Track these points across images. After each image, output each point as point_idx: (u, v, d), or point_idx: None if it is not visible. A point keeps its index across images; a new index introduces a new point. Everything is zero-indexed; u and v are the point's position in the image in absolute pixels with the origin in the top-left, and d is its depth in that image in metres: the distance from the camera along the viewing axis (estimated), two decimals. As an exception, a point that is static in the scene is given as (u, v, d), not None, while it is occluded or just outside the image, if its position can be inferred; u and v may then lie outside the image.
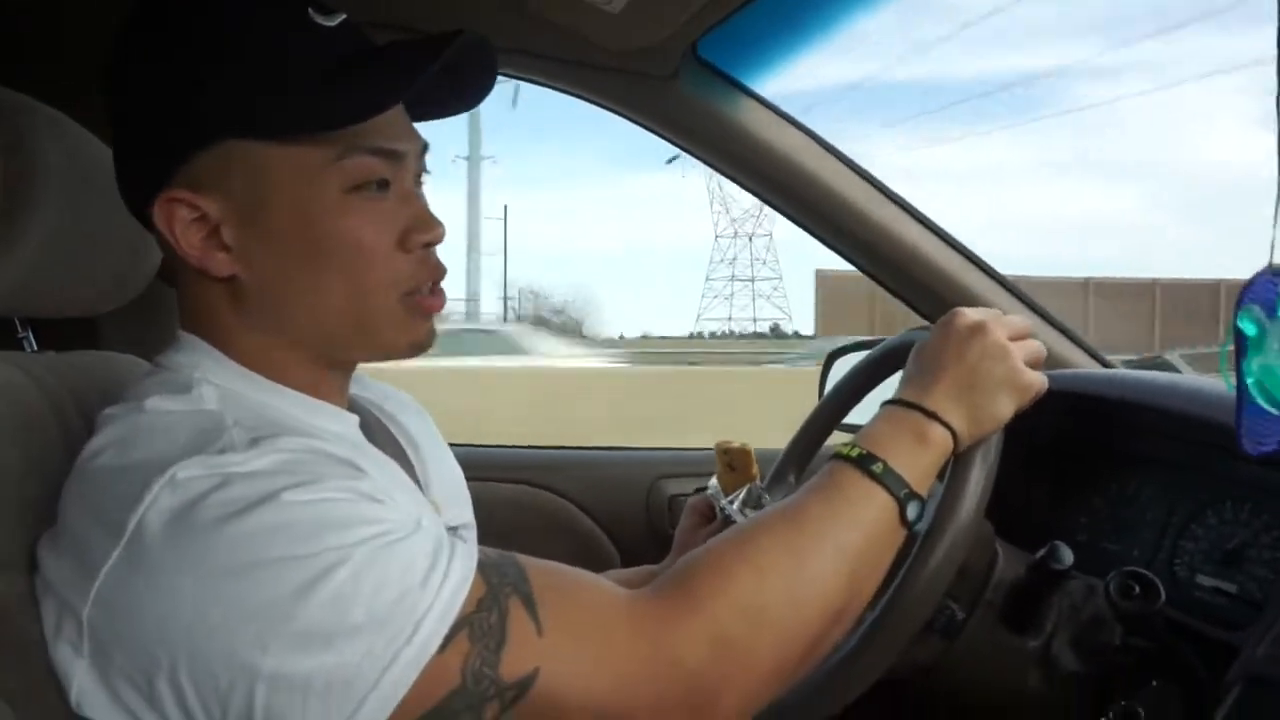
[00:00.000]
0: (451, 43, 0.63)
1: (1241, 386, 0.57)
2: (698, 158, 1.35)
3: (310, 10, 0.64)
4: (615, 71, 1.26)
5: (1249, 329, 0.56)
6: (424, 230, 0.67)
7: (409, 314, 0.68)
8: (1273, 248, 0.56)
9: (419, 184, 0.70)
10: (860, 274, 1.41)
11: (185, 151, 0.63)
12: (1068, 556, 0.80)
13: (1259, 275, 0.57)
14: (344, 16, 0.66)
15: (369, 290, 0.66)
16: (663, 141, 1.36)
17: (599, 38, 1.17)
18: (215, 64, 0.62)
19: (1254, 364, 0.56)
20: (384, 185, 0.65)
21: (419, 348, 0.70)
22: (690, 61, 1.24)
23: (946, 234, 1.36)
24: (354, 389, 0.77)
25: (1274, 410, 0.57)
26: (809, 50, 1.27)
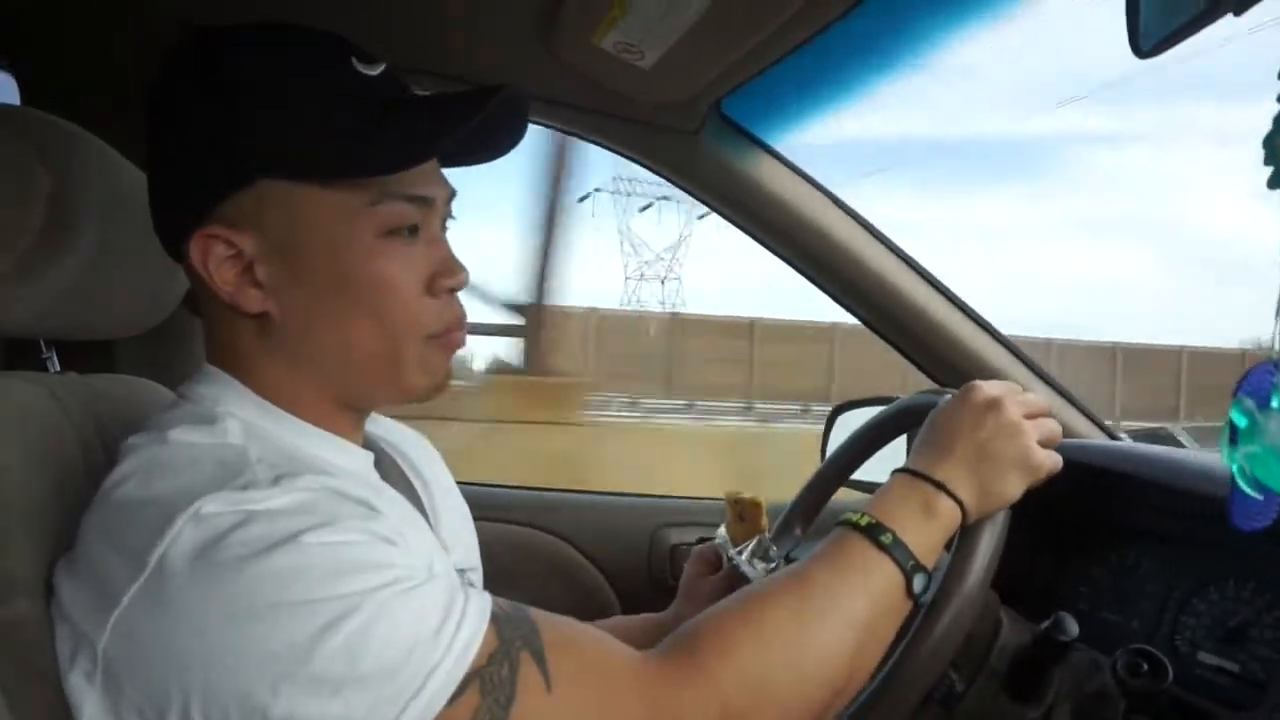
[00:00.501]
0: (493, 97, 0.64)
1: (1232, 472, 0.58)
2: (717, 211, 1.37)
3: (354, 59, 0.66)
4: (641, 124, 1.29)
5: (1239, 420, 0.58)
6: (449, 275, 0.69)
7: (432, 351, 0.69)
8: (1275, 339, 0.57)
9: (444, 229, 0.72)
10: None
11: (225, 190, 0.64)
12: (1073, 628, 0.80)
13: (1257, 368, 0.58)
14: (385, 66, 0.67)
15: (396, 332, 0.67)
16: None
17: (628, 91, 1.20)
18: (260, 107, 0.63)
19: (1239, 452, 0.58)
20: (414, 231, 0.67)
21: (438, 389, 0.71)
22: (714, 118, 1.27)
23: (960, 300, 1.38)
24: (368, 426, 0.78)
25: (1257, 495, 0.58)
26: (831, 112, 1.29)
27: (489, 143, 0.74)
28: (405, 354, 0.68)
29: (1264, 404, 0.57)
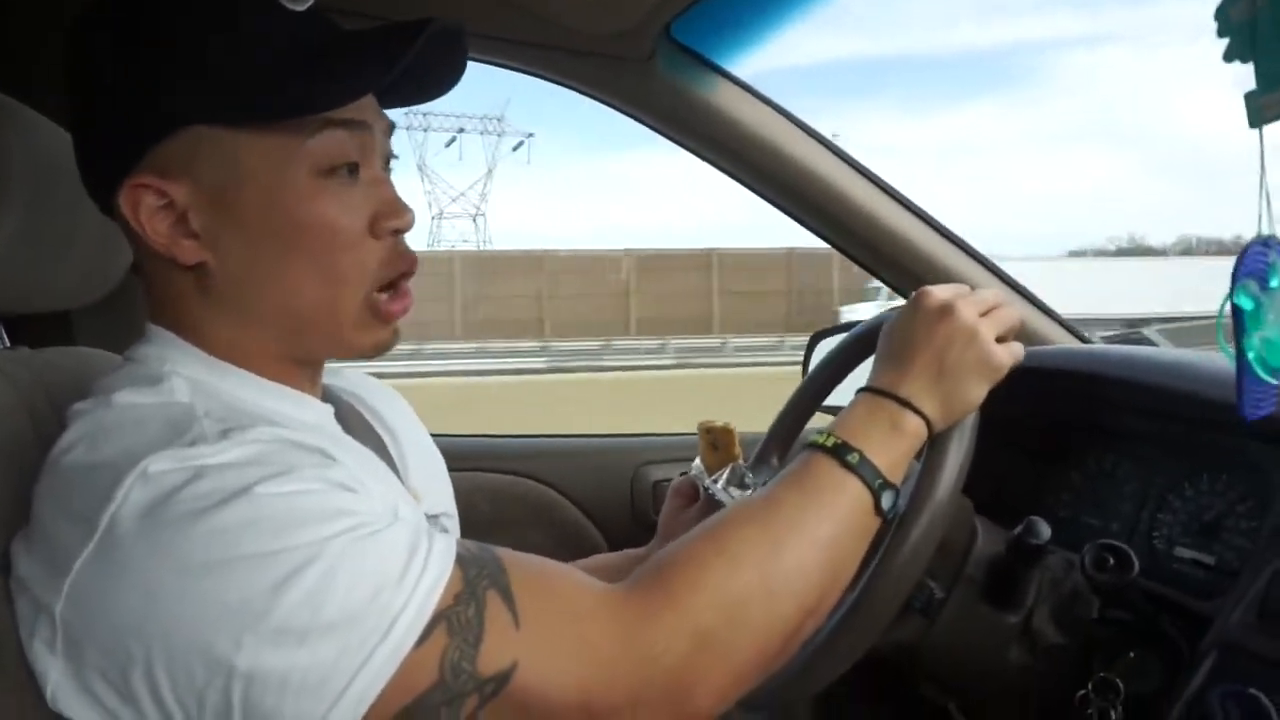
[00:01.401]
0: (423, 32, 0.61)
1: (1242, 359, 0.57)
2: (674, 140, 1.35)
3: None
4: (590, 55, 1.25)
5: (1245, 304, 0.56)
6: (394, 216, 0.66)
7: (371, 317, 0.67)
8: (1260, 218, 0.56)
9: (388, 168, 0.69)
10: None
11: (152, 138, 0.62)
12: (1044, 532, 0.81)
13: (1249, 247, 0.57)
14: (312, 2, 0.64)
15: (339, 278, 0.65)
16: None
17: (573, 22, 1.17)
18: (183, 50, 0.61)
19: (1254, 337, 0.56)
20: (354, 170, 0.65)
21: (382, 348, 0.69)
22: (665, 44, 1.23)
23: (923, 212, 1.37)
24: (328, 379, 0.77)
25: (1272, 380, 0.57)
26: (784, 28, 1.26)
27: (427, 80, 0.71)
28: (347, 306, 0.66)
29: (1265, 285, 0.56)
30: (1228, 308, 0.57)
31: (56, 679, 0.56)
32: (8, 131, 0.72)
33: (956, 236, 1.37)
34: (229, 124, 0.61)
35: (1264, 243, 0.56)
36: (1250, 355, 0.57)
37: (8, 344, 0.84)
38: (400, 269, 0.68)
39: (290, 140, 0.62)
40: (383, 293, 0.67)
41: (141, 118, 0.62)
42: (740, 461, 1.00)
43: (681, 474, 1.05)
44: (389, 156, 0.69)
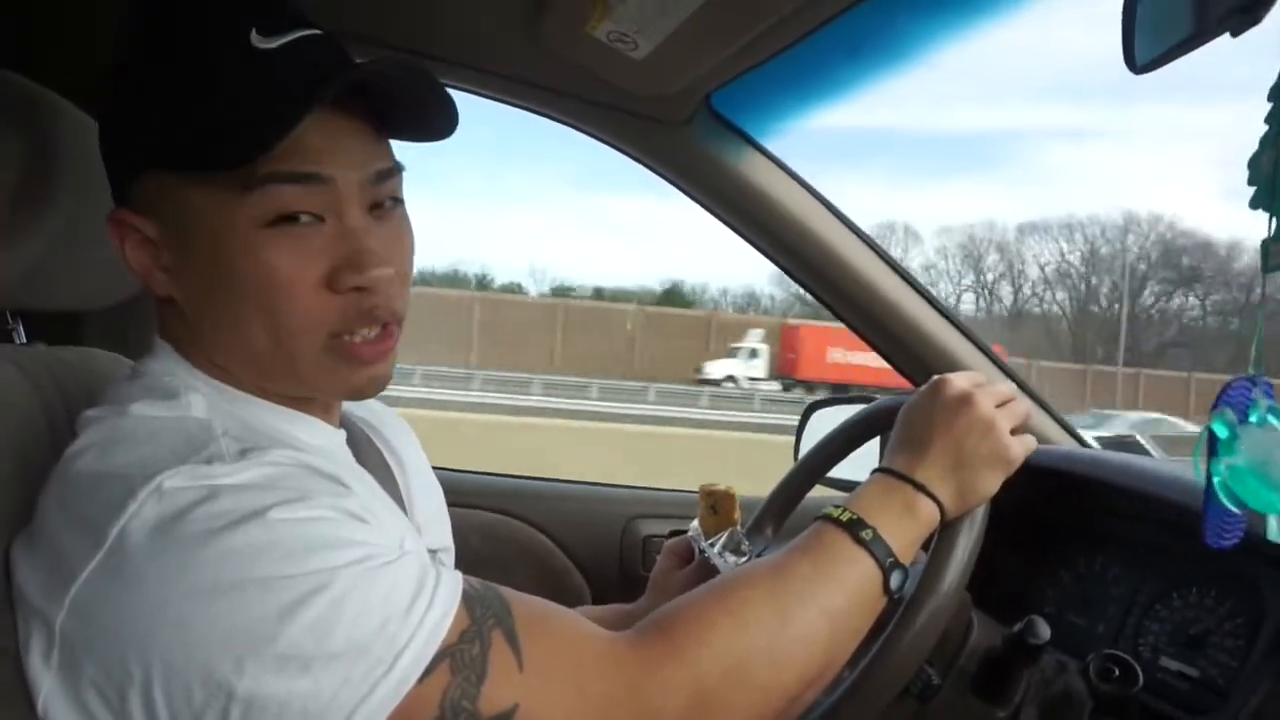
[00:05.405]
0: (338, 80, 0.58)
1: (1209, 484, 0.59)
2: (701, 205, 1.37)
3: (254, 32, 0.60)
4: (629, 114, 1.29)
5: (1221, 431, 0.59)
6: (355, 269, 0.61)
7: (336, 360, 0.63)
8: (1251, 356, 0.58)
9: (376, 213, 0.64)
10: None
11: (124, 176, 0.64)
12: (1044, 632, 0.82)
13: (1235, 380, 0.60)
14: (294, 37, 0.61)
15: (290, 331, 0.61)
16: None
17: (618, 80, 1.19)
18: (141, 93, 0.62)
19: (1222, 465, 0.59)
20: (318, 217, 0.61)
21: (358, 394, 0.66)
22: (704, 111, 1.27)
23: (938, 301, 1.39)
24: (345, 404, 0.76)
25: (1236, 510, 0.59)
26: (820, 109, 1.30)
27: (425, 120, 0.65)
28: (301, 355, 0.62)
29: (1243, 418, 0.58)
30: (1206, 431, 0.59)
31: (49, 691, 0.55)
32: (60, 130, 0.73)
33: (970, 330, 1.40)
34: (173, 169, 0.61)
35: (1250, 379, 0.59)
36: (1216, 480, 0.59)
37: (25, 340, 0.84)
38: (363, 323, 0.63)
39: (230, 189, 0.59)
40: (351, 335, 0.63)
41: (124, 154, 0.64)
42: (739, 527, 1.01)
43: (673, 532, 1.06)
44: (379, 203, 0.64)
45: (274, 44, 0.60)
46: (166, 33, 0.61)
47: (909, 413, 0.81)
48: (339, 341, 0.63)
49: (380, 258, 0.62)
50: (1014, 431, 0.79)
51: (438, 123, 0.65)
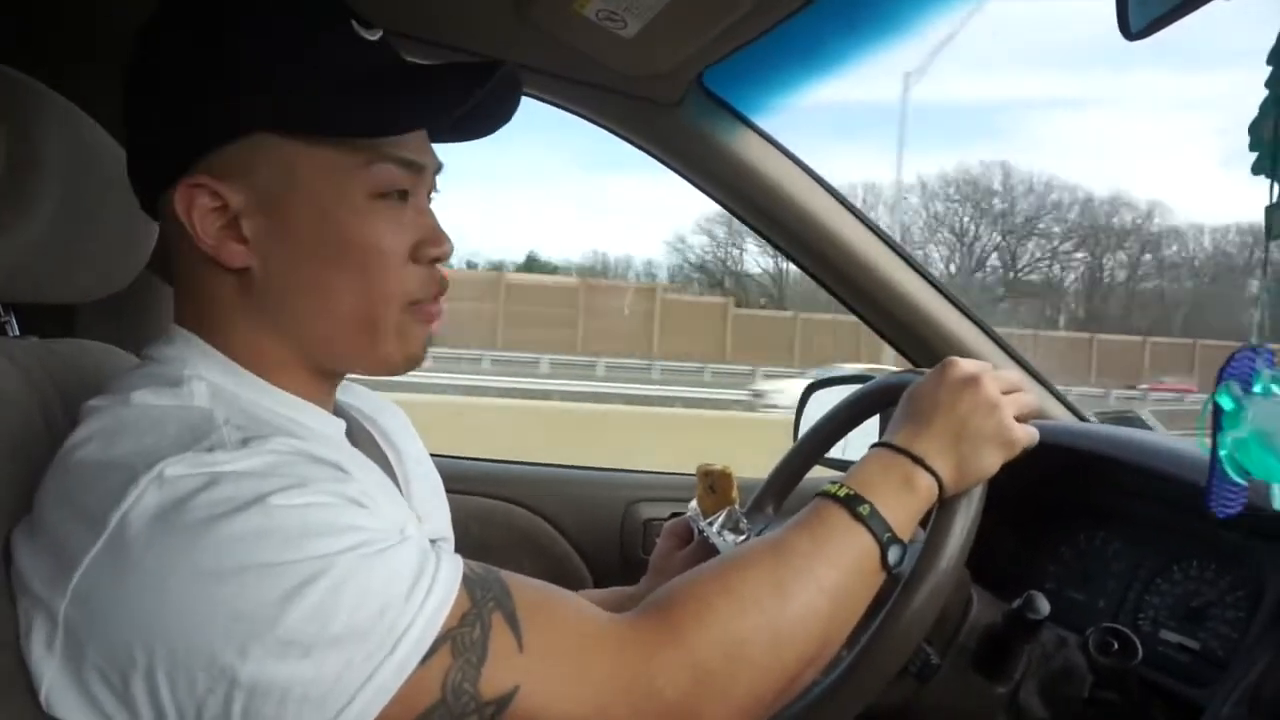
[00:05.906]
0: (493, 74, 0.64)
1: (1214, 456, 0.59)
2: (694, 184, 1.36)
3: (354, 23, 0.65)
4: (620, 94, 1.27)
5: (1226, 404, 0.59)
6: (435, 244, 0.68)
7: (412, 320, 0.68)
8: (1253, 326, 0.58)
9: (430, 201, 0.71)
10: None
11: (217, 140, 0.63)
12: (1044, 607, 0.81)
13: (1238, 351, 0.59)
14: (382, 33, 0.67)
15: (378, 296, 0.66)
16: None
17: (608, 61, 1.18)
18: (264, 60, 0.62)
19: (1228, 437, 0.59)
20: (404, 196, 0.67)
21: (413, 361, 0.70)
22: (695, 90, 1.26)
23: (936, 280, 1.38)
24: (340, 395, 0.77)
25: (1242, 481, 0.59)
26: (813, 85, 1.28)
27: (478, 120, 0.73)
28: (384, 319, 0.67)
29: (1248, 388, 0.57)
30: (1210, 404, 0.59)
31: (52, 679, 0.55)
32: (48, 121, 0.72)
33: (968, 309, 1.39)
34: (296, 136, 0.63)
35: (1253, 349, 0.58)
36: (1222, 453, 0.59)
37: (18, 333, 0.84)
38: (434, 292, 0.70)
39: (349, 160, 0.64)
40: (425, 302, 0.69)
41: (207, 119, 0.63)
42: (737, 506, 1.00)
43: (675, 515, 1.05)
44: (433, 191, 0.71)
45: (373, 37, 0.66)
46: (275, 5, 0.64)
47: (914, 391, 0.81)
48: (416, 306, 0.68)
49: (447, 236, 0.69)
50: (1019, 420, 0.79)
51: (487, 128, 0.74)
